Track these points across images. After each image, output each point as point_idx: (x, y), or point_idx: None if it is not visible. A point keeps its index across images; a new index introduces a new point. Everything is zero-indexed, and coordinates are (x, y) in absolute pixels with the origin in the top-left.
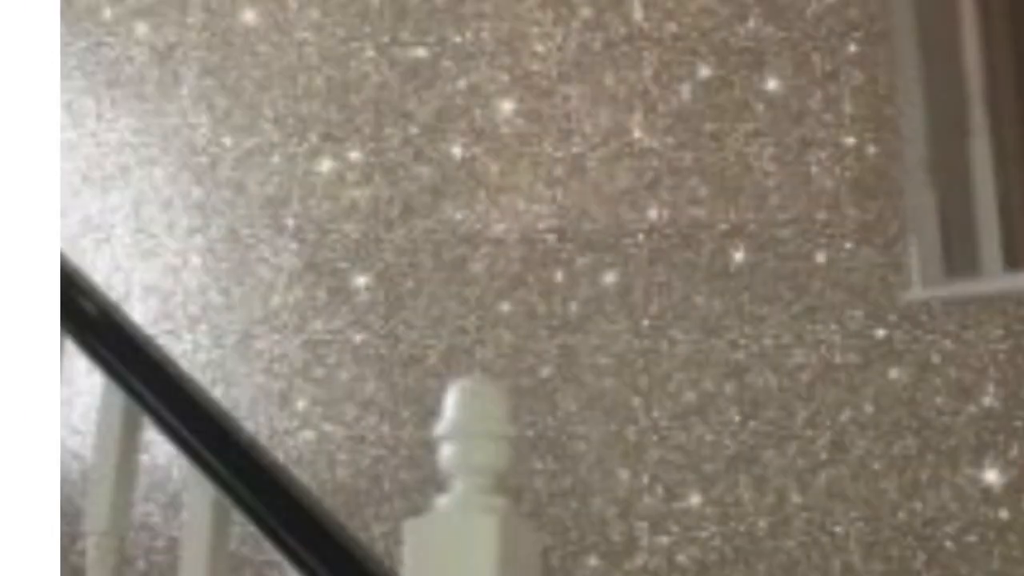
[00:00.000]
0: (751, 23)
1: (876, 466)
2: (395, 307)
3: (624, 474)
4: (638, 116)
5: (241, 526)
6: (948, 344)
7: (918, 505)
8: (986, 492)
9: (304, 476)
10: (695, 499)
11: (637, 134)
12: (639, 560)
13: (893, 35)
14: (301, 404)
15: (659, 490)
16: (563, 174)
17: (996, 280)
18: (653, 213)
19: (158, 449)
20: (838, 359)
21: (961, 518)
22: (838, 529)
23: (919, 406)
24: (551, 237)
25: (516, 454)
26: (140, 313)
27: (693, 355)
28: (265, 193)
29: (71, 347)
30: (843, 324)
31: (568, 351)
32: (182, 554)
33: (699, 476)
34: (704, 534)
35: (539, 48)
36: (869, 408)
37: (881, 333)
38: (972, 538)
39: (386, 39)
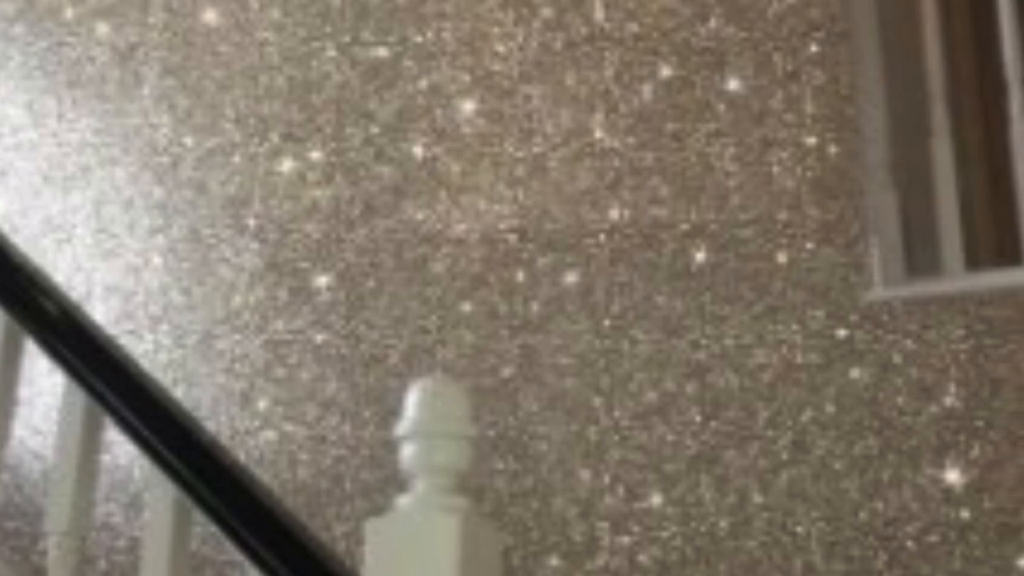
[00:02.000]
0: (712, 23)
1: (837, 466)
2: (356, 307)
3: (585, 474)
4: (599, 116)
5: (202, 526)
6: (909, 344)
7: (879, 505)
8: (947, 492)
9: (265, 476)
10: (656, 499)
11: (598, 134)
12: (600, 560)
13: (854, 35)
14: (262, 404)
15: (620, 490)
16: (524, 174)
17: (957, 280)
18: (614, 213)
19: (119, 449)
20: (799, 359)
21: (923, 518)
22: (799, 529)
23: (880, 406)
24: (512, 237)
25: (477, 454)
26: (101, 313)
27: (654, 355)
28: (226, 193)
29: (32, 347)
30: (804, 324)
31: (529, 351)
32: (143, 554)
33: (660, 476)
34: (665, 534)
35: (500, 48)
36: (830, 408)
37: (842, 333)
38: (934, 538)
39: (347, 39)
